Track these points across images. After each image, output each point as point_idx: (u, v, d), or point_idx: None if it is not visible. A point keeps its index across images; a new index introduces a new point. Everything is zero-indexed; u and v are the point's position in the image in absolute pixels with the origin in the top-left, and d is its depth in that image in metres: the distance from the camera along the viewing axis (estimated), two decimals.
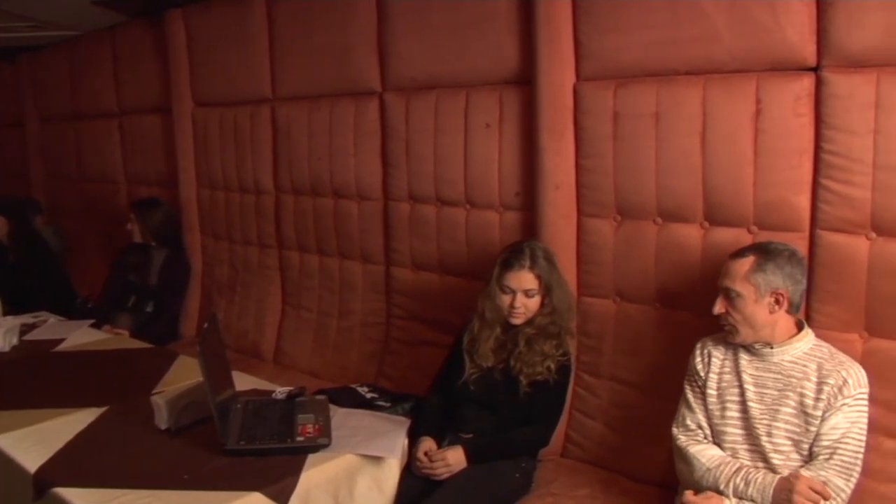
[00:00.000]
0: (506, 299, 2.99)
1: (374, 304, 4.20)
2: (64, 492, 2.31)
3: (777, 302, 2.43)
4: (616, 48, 3.07)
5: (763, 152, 2.73)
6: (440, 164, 3.70)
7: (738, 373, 2.52)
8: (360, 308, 4.26)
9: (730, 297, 2.47)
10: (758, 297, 2.42)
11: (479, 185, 3.57)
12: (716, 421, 2.55)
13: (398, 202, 3.93)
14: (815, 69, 2.63)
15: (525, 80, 3.34)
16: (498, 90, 3.48)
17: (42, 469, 2.45)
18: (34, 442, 2.66)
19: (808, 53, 2.63)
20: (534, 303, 3.01)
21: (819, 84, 2.61)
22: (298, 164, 4.42)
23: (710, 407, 2.57)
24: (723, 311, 2.50)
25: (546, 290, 3.01)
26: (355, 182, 4.12)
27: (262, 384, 3.29)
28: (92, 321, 4.48)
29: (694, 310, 2.96)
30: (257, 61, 4.56)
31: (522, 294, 2.98)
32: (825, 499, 2.27)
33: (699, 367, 2.61)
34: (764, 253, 2.46)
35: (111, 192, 6.13)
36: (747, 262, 2.45)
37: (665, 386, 2.99)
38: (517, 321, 3.01)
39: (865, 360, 2.53)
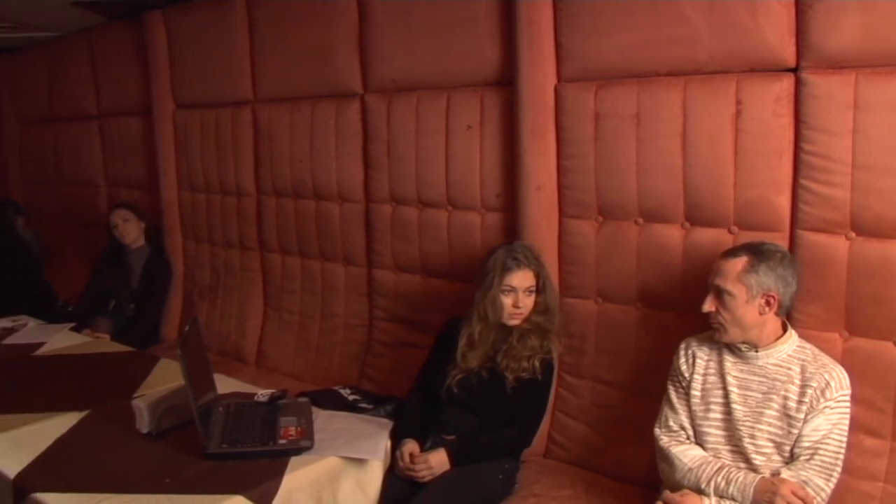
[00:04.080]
0: (508, 300, 2.98)
1: (356, 306, 4.19)
2: (44, 497, 2.29)
3: (768, 304, 2.42)
4: (597, 50, 3.08)
5: (743, 153, 2.75)
6: (422, 166, 3.70)
7: (722, 374, 2.52)
8: (342, 310, 4.26)
9: (720, 296, 2.45)
10: (749, 298, 2.41)
11: (460, 186, 3.58)
12: (698, 422, 2.55)
13: (380, 204, 3.93)
14: (795, 70, 2.64)
15: (506, 82, 3.35)
16: (479, 92, 3.48)
17: (21, 475, 2.43)
18: (13, 447, 2.64)
19: (788, 54, 2.65)
20: (531, 301, 3.01)
21: (798, 85, 2.63)
22: (280, 166, 4.41)
23: (694, 408, 2.57)
24: (712, 309, 2.48)
25: (541, 287, 3.02)
26: (337, 184, 4.12)
27: (244, 387, 3.27)
28: (72, 325, 4.44)
29: (675, 310, 2.99)
30: (238, 63, 4.54)
31: (524, 293, 2.98)
32: None
33: (683, 367, 2.61)
34: (757, 253, 2.44)
35: (91, 196, 6.09)
36: (740, 262, 2.44)
37: (647, 386, 3.01)
38: (516, 321, 3.01)
39: (846, 359, 2.55)
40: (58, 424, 2.84)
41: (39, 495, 2.30)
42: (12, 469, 2.46)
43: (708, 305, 2.48)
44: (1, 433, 2.74)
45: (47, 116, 6.49)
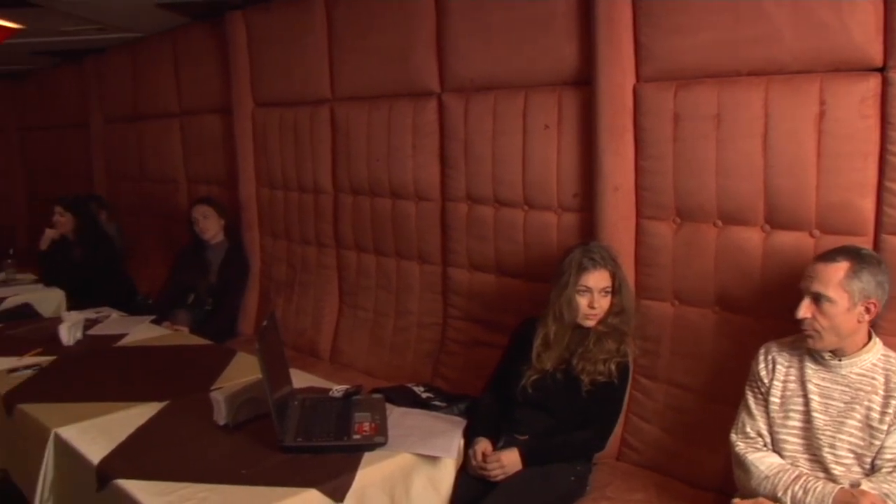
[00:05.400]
0: (583, 301, 2.97)
1: (430, 304, 4.21)
2: (125, 484, 2.35)
3: (867, 311, 2.33)
4: (677, 49, 3.04)
5: (826, 154, 2.69)
6: (498, 165, 3.70)
7: (803, 382, 2.45)
8: (416, 308, 4.28)
9: (819, 302, 2.35)
10: (851, 306, 2.32)
11: (537, 186, 3.56)
12: (776, 429, 2.49)
13: (456, 203, 3.94)
14: (882, 70, 2.58)
15: (584, 82, 3.33)
16: (557, 91, 3.46)
17: (105, 461, 2.50)
18: (97, 434, 2.72)
19: (875, 53, 2.58)
20: (607, 302, 2.99)
21: (886, 85, 2.56)
22: (357, 165, 4.45)
23: (772, 414, 2.50)
24: (808, 315, 2.37)
25: (617, 288, 3.00)
26: (413, 182, 4.14)
27: (319, 382, 3.31)
28: (153, 317, 4.56)
29: (754, 314, 2.93)
30: (317, 62, 4.60)
31: (599, 293, 2.96)
32: None
33: (763, 373, 2.54)
34: (858, 259, 2.34)
35: (171, 192, 6.24)
36: (841, 267, 2.34)
37: (723, 391, 2.96)
38: (591, 323, 3.00)
39: None
40: (138, 414, 2.92)
41: (121, 482, 2.36)
42: (96, 455, 2.54)
43: (804, 312, 2.37)
44: (85, 420, 2.83)
45: (131, 114, 6.67)
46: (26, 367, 3.49)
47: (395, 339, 4.38)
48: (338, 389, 3.05)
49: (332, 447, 2.59)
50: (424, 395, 3.53)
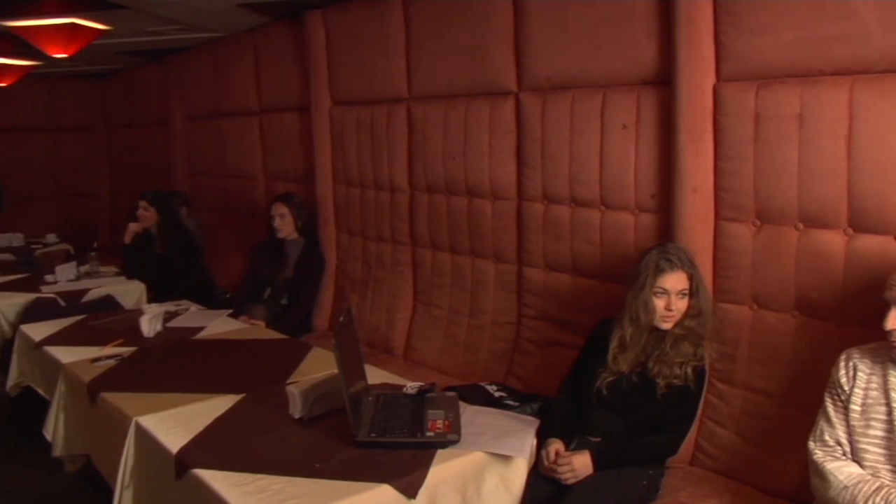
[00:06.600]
0: (660, 303, 2.95)
1: (505, 303, 4.20)
2: (203, 473, 2.40)
3: None
4: (758, 48, 2.99)
5: None
6: (575, 165, 3.68)
7: (886, 390, 2.38)
8: (491, 307, 4.28)
9: None
10: None
11: (614, 186, 3.54)
12: (857, 437, 2.42)
13: (532, 202, 3.93)
14: None
15: (663, 81, 3.29)
16: (635, 91, 3.44)
17: (183, 450, 2.56)
18: (175, 424, 2.78)
19: None
20: (684, 304, 2.97)
21: None
22: (433, 163, 4.46)
23: (852, 423, 2.43)
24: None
25: (694, 290, 2.97)
26: (489, 181, 4.14)
27: (393, 378, 3.34)
28: (230, 311, 4.63)
29: (835, 319, 2.87)
30: (394, 61, 4.63)
31: (677, 295, 2.94)
32: None
33: (843, 380, 2.47)
34: None
35: (250, 188, 6.34)
36: None
37: (801, 397, 2.90)
38: (667, 325, 2.97)
39: None
40: (216, 406, 2.98)
41: (199, 471, 2.42)
42: (175, 444, 2.60)
43: (892, 322, 2.29)
44: (164, 410, 2.91)
45: (212, 112, 6.80)
46: (108, 357, 3.59)
47: (468, 337, 4.38)
48: (412, 386, 3.06)
49: (405, 443, 2.61)
50: (497, 394, 3.52)
